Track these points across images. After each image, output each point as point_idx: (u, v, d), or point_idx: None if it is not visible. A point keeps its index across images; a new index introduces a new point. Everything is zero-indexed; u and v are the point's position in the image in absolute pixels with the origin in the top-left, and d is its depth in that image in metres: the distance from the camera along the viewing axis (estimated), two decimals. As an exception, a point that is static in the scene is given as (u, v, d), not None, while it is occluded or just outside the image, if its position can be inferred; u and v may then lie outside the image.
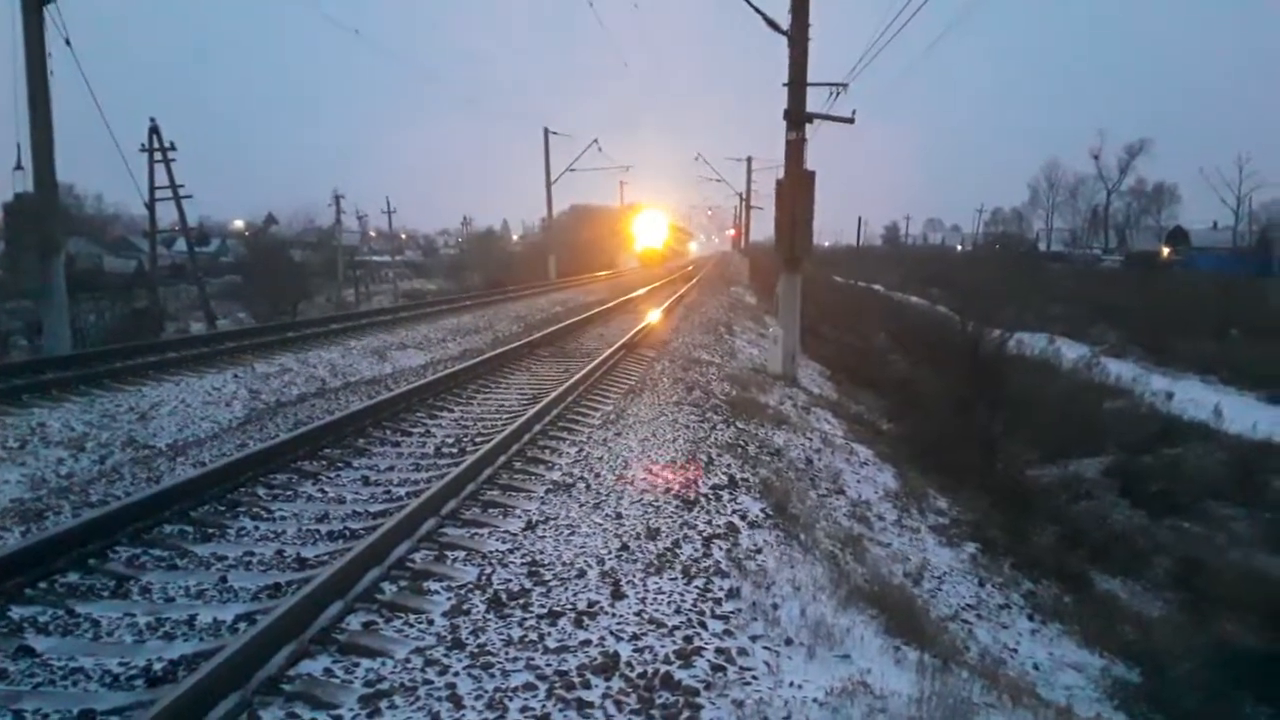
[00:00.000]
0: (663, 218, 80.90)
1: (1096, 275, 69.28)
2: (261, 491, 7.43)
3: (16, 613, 4.98)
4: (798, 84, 16.08)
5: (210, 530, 6.46)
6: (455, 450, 8.96)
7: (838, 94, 17.15)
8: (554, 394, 11.12)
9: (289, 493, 7.46)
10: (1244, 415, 23.34)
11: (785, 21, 16.05)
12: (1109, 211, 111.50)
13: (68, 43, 16.26)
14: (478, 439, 9.35)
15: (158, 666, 4.37)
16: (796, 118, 16.18)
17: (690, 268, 69.98)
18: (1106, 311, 44.13)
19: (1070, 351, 33.89)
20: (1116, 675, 8.18)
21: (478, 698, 4.09)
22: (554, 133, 50.51)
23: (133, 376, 12.65)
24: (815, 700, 4.30)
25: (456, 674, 4.30)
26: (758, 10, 16.08)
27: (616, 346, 16.36)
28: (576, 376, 12.59)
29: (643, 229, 77.91)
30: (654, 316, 23.96)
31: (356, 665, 4.40)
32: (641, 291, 35.42)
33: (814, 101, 16.52)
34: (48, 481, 7.93)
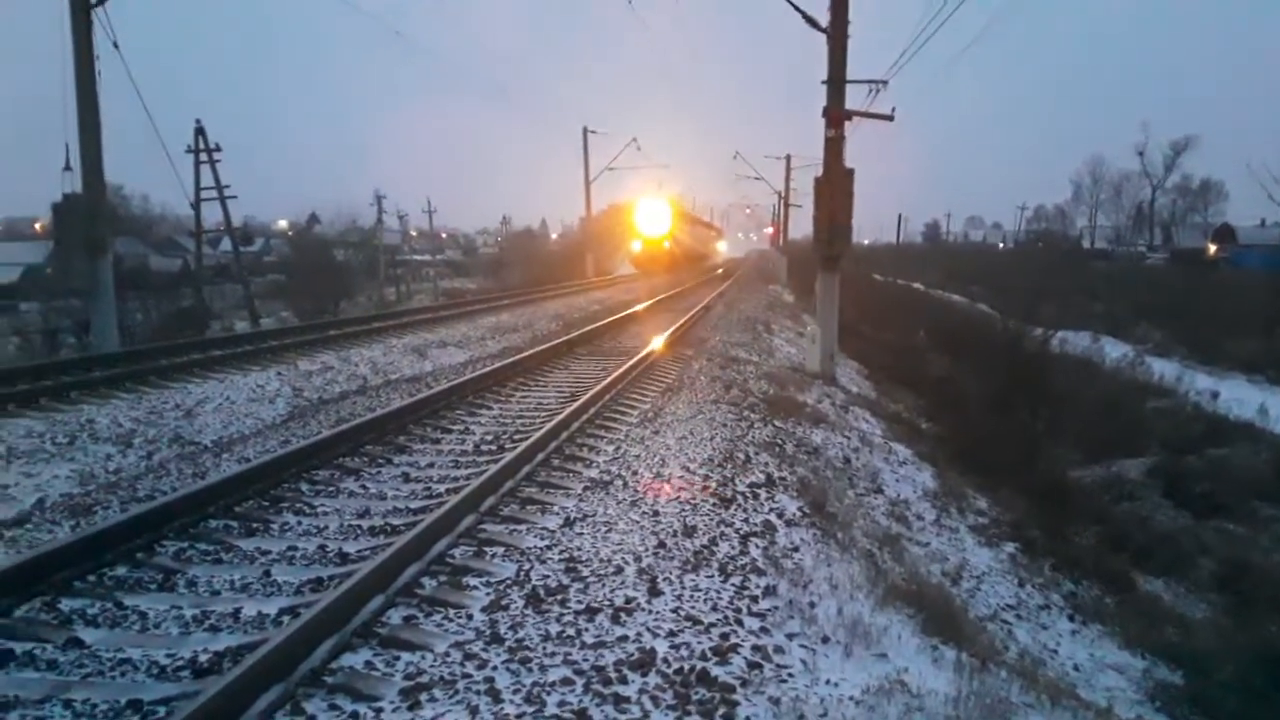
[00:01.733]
0: (666, 210, 51.95)
1: (1141, 273, 68.28)
2: (304, 487, 7.53)
3: (66, 605, 5.09)
4: (837, 81, 16.01)
5: (254, 525, 6.57)
6: (494, 447, 9.03)
7: (877, 91, 17.07)
8: (592, 392, 11.17)
9: (331, 488, 7.57)
10: (1292, 415, 22.92)
11: (824, 19, 15.99)
12: (1154, 208, 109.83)
13: (115, 45, 16.57)
14: (516, 436, 9.42)
15: (203, 658, 4.46)
16: (835, 115, 16.11)
17: (719, 273, 58.52)
18: (1151, 310, 43.51)
19: (1113, 350, 33.46)
20: (1159, 677, 8.08)
21: (516, 692, 4.13)
22: (593, 132, 50.58)
23: (178, 374, 12.87)
24: (852, 698, 4.31)
25: (495, 668, 4.35)
26: (797, 8, 16.04)
27: (654, 345, 16.40)
28: (614, 374, 12.63)
29: (642, 225, 52.56)
30: (692, 314, 23.95)
31: (397, 658, 4.47)
32: (683, 289, 35.45)
33: (853, 99, 16.45)
34: (96, 477, 8.08)
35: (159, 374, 12.64)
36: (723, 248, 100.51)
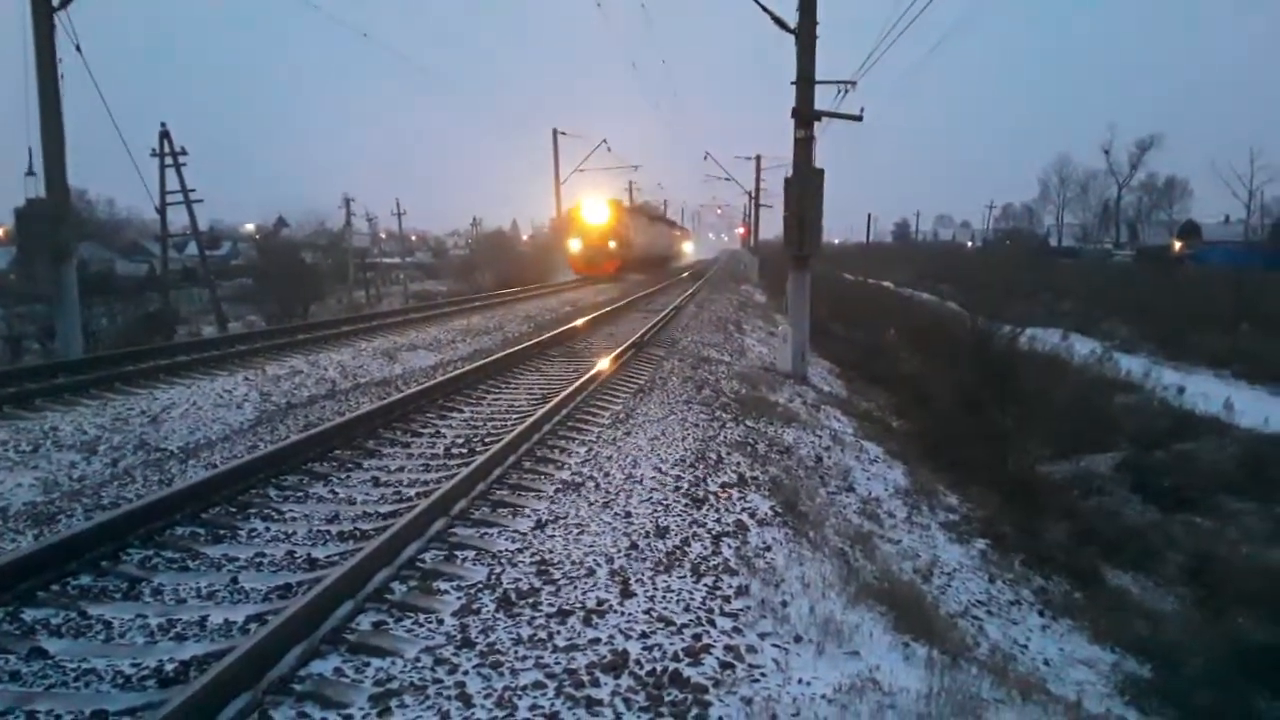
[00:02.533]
0: (606, 210, 44.94)
1: (1108, 270, 69.02)
2: (272, 493, 7.46)
3: (29, 615, 5.01)
4: (805, 82, 16.07)
5: (221, 531, 6.49)
6: (465, 451, 8.98)
7: (846, 92, 17.13)
8: (564, 394, 11.13)
9: (299, 494, 7.49)
10: (1257, 409, 23.24)
11: (793, 20, 16.05)
12: (1120, 206, 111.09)
13: (78, 49, 16.37)
14: (487, 439, 9.37)
15: (169, 667, 4.40)
16: (805, 116, 16.17)
17: (684, 276, 52.55)
18: (1118, 306, 44.01)
19: (1081, 347, 33.77)
20: (1128, 671, 8.16)
21: (487, 696, 4.11)
22: (563, 133, 50.59)
23: (144, 380, 12.72)
24: (824, 697, 4.31)
25: (466, 673, 4.32)
26: (766, 9, 16.09)
27: (626, 345, 16.37)
28: (586, 376, 12.60)
29: (582, 222, 45.15)
30: (665, 315, 23.95)
31: (367, 665, 4.42)
32: (655, 289, 35.45)
33: (822, 99, 16.52)
34: (60, 484, 7.97)
35: (124, 380, 12.48)
36: (689, 249, 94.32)
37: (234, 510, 6.96)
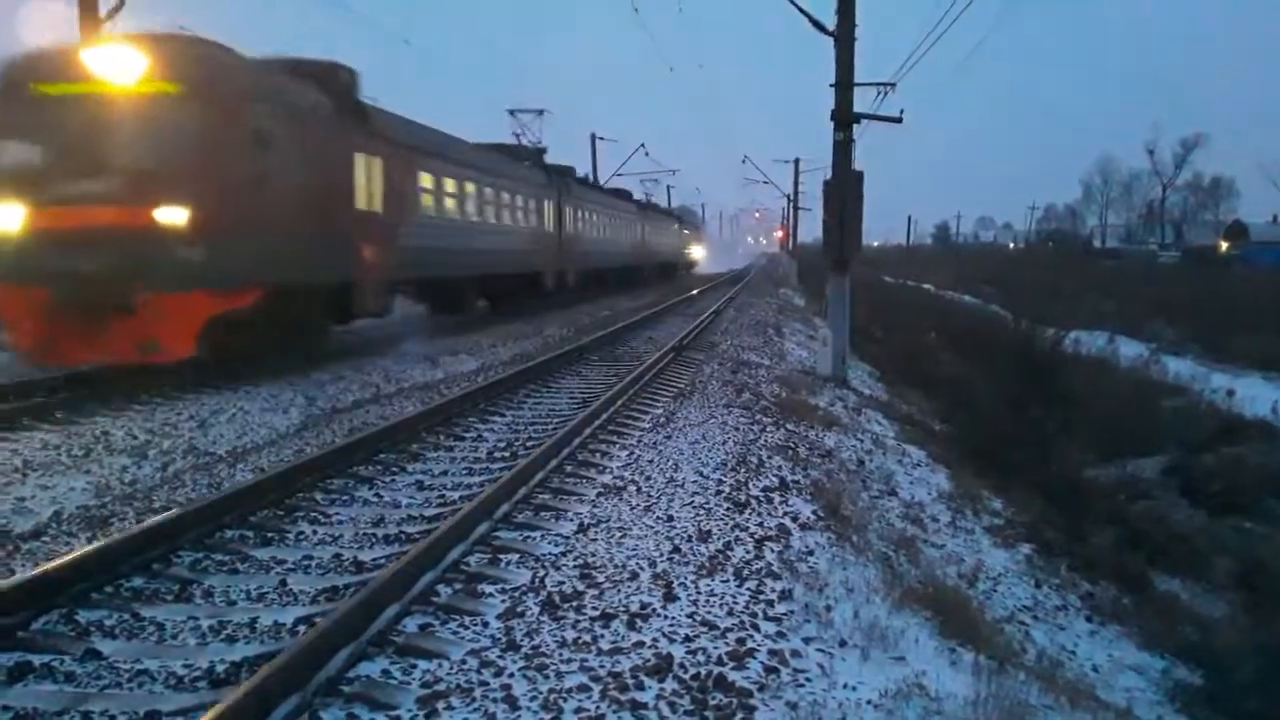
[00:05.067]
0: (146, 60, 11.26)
1: (1153, 271, 67.99)
2: (319, 496, 7.55)
3: (84, 617, 5.11)
4: (845, 85, 16.00)
5: (269, 534, 6.58)
6: (507, 454, 9.04)
7: (885, 94, 17.06)
8: (604, 397, 11.17)
9: (345, 497, 7.58)
10: (1308, 412, 22.77)
11: (831, 22, 15.99)
12: (1165, 207, 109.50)
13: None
14: (529, 443, 9.43)
15: (220, 668, 4.47)
16: (844, 118, 16.10)
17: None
18: (1163, 308, 43.29)
19: (1127, 349, 33.30)
20: (1178, 677, 8.02)
21: (533, 699, 4.13)
22: (600, 138, 50.51)
23: (192, 385, 12.90)
24: (870, 702, 4.29)
25: (512, 675, 4.35)
26: (803, 11, 16.05)
27: (665, 349, 16.41)
28: (626, 380, 12.63)
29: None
30: (704, 319, 23.95)
31: (414, 667, 4.47)
32: (694, 293, 35.44)
33: (861, 102, 16.45)
34: (112, 488, 8.11)
35: (173, 385, 12.67)
36: (698, 253, 71.72)
37: (282, 513, 7.05)
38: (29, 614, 4.98)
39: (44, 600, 5.11)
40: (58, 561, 5.52)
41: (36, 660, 4.54)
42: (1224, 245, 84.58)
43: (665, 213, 59.78)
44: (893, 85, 17.05)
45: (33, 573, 5.35)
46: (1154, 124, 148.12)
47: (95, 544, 6.03)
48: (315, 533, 6.67)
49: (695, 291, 39.89)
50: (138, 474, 8.61)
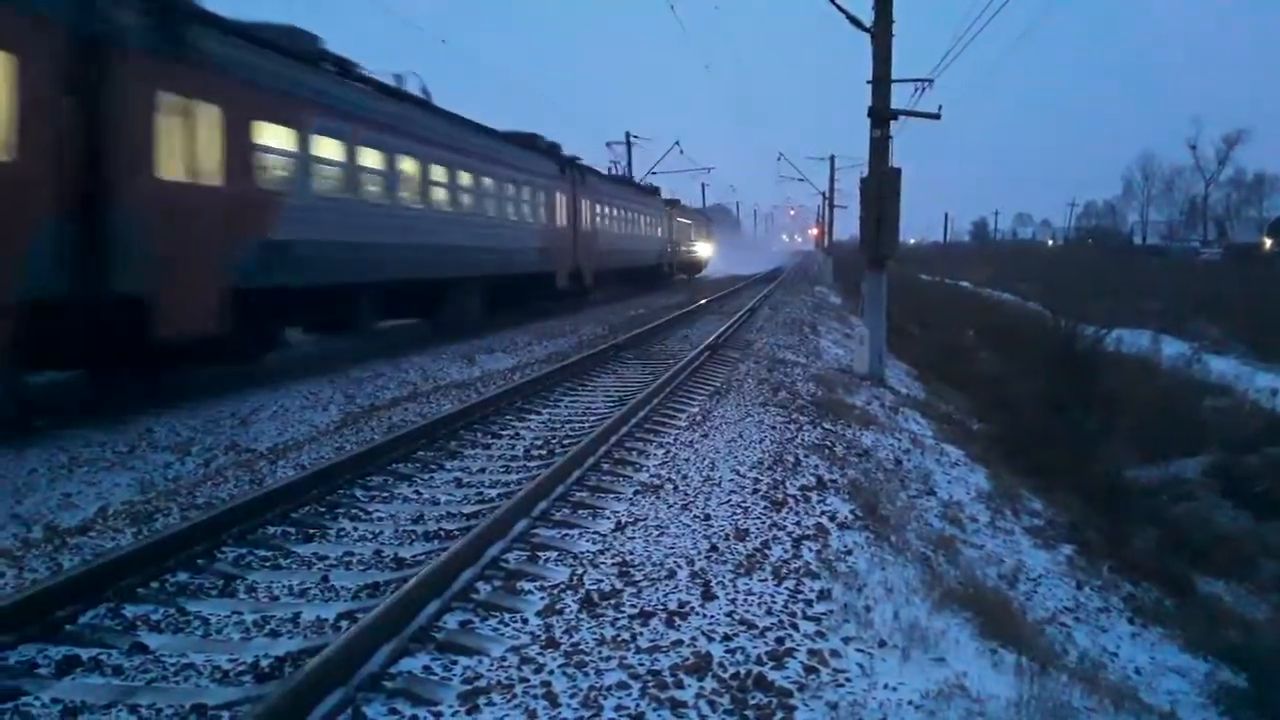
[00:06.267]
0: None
1: (1195, 268, 66.93)
2: (359, 493, 7.62)
3: (130, 611, 5.19)
4: (882, 81, 15.89)
5: (311, 531, 6.65)
6: (544, 452, 9.08)
7: (923, 90, 16.99)
8: (639, 396, 11.17)
9: (385, 494, 7.65)
10: (1356, 412, 22.34)
11: (868, 18, 15.89)
12: (1207, 203, 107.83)
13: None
14: (566, 441, 9.45)
15: (265, 663, 4.52)
16: (881, 115, 16.00)
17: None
18: (1206, 306, 42.62)
19: (1168, 348, 32.83)
20: (1222, 680, 7.91)
21: (573, 696, 4.14)
22: (635, 137, 50.52)
23: (233, 382, 13.05)
24: (911, 703, 4.27)
25: (551, 672, 4.36)
26: (840, 8, 15.95)
27: (701, 348, 16.39)
28: (662, 379, 12.63)
29: None
30: (739, 317, 23.91)
31: (455, 663, 4.50)
32: (727, 292, 35.37)
33: (899, 98, 16.35)
34: (156, 484, 8.24)
35: (215, 382, 12.82)
36: (703, 252, 60.54)
37: (323, 510, 7.13)
38: (77, 608, 5.07)
39: (92, 594, 5.20)
40: (104, 557, 5.61)
41: (85, 654, 4.62)
42: (1268, 243, 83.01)
43: (661, 201, 45.68)
44: (930, 81, 16.98)
45: (81, 567, 5.44)
46: (1196, 119, 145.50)
47: (140, 540, 6.13)
48: (356, 529, 6.73)
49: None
50: (181, 470, 8.74)
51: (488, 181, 21.22)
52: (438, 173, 18.35)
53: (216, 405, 11.56)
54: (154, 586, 5.54)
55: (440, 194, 18.60)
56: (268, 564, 6.02)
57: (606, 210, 32.80)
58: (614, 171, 38.38)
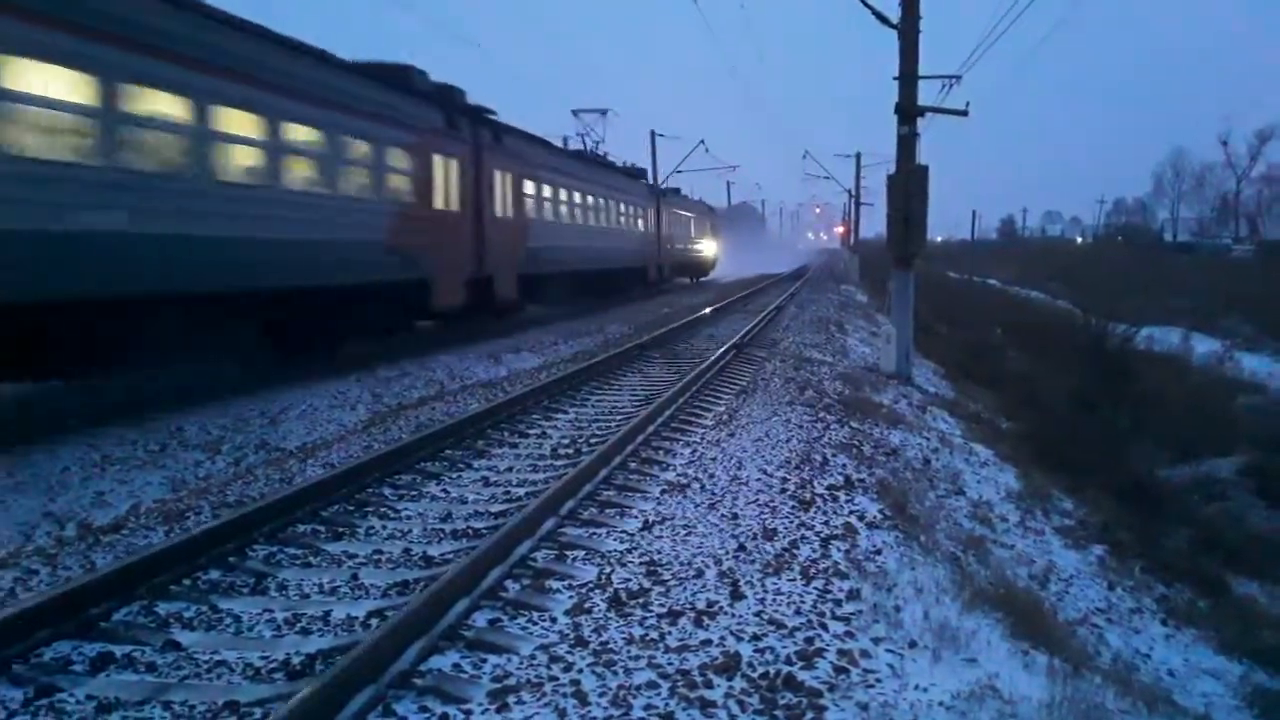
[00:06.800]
0: None
1: (1227, 266, 66.14)
2: (387, 491, 7.65)
3: (163, 609, 5.23)
4: (909, 78, 15.79)
5: (341, 529, 6.69)
6: (571, 451, 9.08)
7: (951, 86, 16.88)
8: (666, 395, 11.17)
9: (413, 493, 7.67)
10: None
11: (895, 15, 15.79)
12: (1239, 199, 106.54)
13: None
14: (592, 440, 9.46)
15: (296, 660, 4.55)
16: (908, 112, 15.90)
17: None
18: (1238, 303, 42.13)
19: (1199, 345, 32.48)
20: (1257, 682, 7.81)
21: (602, 695, 4.14)
22: (660, 135, 50.44)
23: (262, 382, 13.15)
24: (942, 704, 4.24)
25: (580, 671, 4.37)
26: (867, 5, 15.86)
27: (726, 347, 16.36)
28: (688, 378, 12.61)
29: None
30: (765, 315, 23.85)
31: (484, 661, 4.51)
32: (752, 291, 35.28)
33: (926, 94, 16.25)
34: (187, 482, 8.31)
35: (243, 382, 12.93)
36: (709, 250, 53.10)
37: (352, 508, 7.16)
38: (111, 605, 5.11)
39: (125, 591, 5.25)
40: (137, 555, 5.66)
41: (118, 651, 4.66)
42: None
43: (621, 171, 35.75)
44: (958, 78, 16.86)
45: (114, 565, 5.50)
46: (1227, 115, 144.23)
47: (173, 538, 6.18)
48: (385, 527, 6.76)
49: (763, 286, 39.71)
50: (211, 469, 8.81)
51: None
52: None
53: (246, 404, 11.65)
54: (186, 584, 5.58)
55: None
56: (298, 562, 6.06)
57: (546, 191, 24.06)
58: (588, 149, 32.52)
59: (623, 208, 32.36)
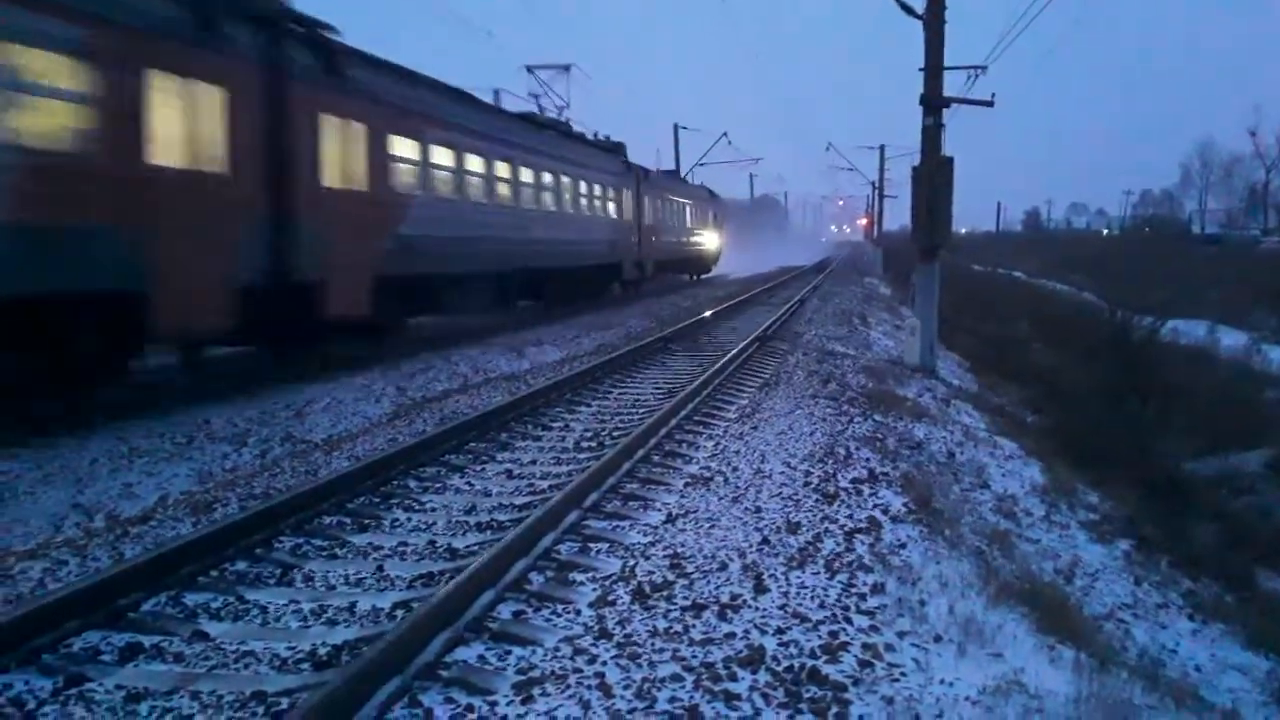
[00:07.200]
0: None
1: (1255, 258, 65.41)
2: (412, 484, 7.69)
3: (190, 599, 5.28)
4: (934, 68, 15.70)
5: (366, 521, 6.73)
6: (594, 444, 9.09)
7: (976, 77, 16.77)
8: (689, 388, 11.16)
9: (438, 485, 7.70)
10: None
11: (920, 5, 15.69)
12: (1268, 191, 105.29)
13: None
14: (615, 433, 9.46)
15: (322, 651, 4.58)
16: (933, 103, 15.81)
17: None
18: (1267, 296, 41.67)
19: (1226, 338, 32.16)
20: (1286, 679, 7.74)
21: (626, 687, 4.15)
22: (683, 128, 50.43)
23: (287, 375, 13.23)
24: (968, 699, 4.22)
25: (605, 663, 4.37)
26: (891, -5, 15.76)
27: (749, 340, 16.33)
28: (710, 370, 12.60)
29: None
30: (789, 308, 23.80)
31: (509, 653, 4.52)
32: (774, 284, 35.18)
33: (951, 85, 16.13)
34: (214, 475, 8.37)
35: (269, 374, 13.02)
36: (710, 243, 45.75)
37: (377, 500, 7.20)
38: (139, 596, 5.16)
39: (154, 582, 5.30)
40: (165, 546, 5.71)
41: (147, 641, 4.71)
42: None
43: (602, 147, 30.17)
44: (984, 68, 16.75)
45: (143, 556, 5.55)
46: (1256, 106, 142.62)
47: (200, 529, 6.23)
48: (410, 519, 6.79)
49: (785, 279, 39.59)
50: (238, 461, 8.87)
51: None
52: None
53: (271, 397, 11.73)
54: (214, 575, 5.63)
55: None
56: (324, 553, 6.10)
57: (440, 157, 17.19)
58: (549, 114, 26.53)
59: (584, 188, 25.76)
